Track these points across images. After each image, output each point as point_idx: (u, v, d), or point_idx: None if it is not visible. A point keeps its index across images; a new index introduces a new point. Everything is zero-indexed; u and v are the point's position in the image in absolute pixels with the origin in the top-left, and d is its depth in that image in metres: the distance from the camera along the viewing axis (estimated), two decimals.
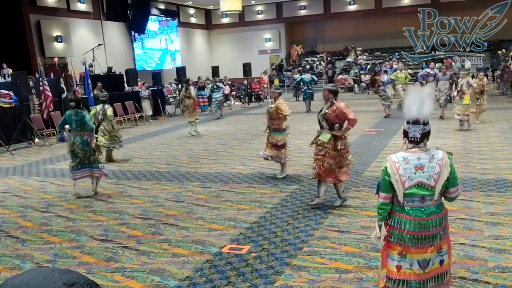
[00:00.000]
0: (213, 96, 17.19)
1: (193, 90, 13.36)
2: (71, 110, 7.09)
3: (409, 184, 2.88)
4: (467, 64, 13.89)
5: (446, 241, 3.02)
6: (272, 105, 7.43)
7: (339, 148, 5.69)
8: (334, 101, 5.72)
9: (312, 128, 12.92)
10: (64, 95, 14.05)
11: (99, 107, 9.66)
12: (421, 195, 2.89)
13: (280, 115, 7.29)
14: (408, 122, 2.98)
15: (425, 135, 2.97)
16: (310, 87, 17.18)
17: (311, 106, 16.87)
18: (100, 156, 7.39)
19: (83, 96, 15.15)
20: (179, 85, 20.00)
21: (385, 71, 16.23)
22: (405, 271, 2.95)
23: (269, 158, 7.53)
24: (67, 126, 7.19)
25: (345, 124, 5.69)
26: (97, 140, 9.16)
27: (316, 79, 19.18)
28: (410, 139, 2.98)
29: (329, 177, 5.77)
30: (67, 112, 7.16)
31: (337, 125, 5.70)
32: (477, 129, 11.09)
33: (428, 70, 15.20)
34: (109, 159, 9.72)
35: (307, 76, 17.77)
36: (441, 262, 2.98)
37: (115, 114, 15.60)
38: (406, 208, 2.93)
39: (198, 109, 13.46)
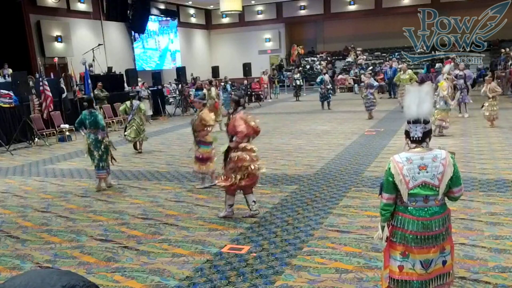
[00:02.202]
0: (221, 96, 17.58)
1: (214, 91, 13.88)
2: (86, 110, 7.53)
3: (413, 184, 2.88)
4: (446, 68, 13.22)
5: (449, 241, 3.02)
6: (196, 116, 7.05)
7: (235, 159, 5.48)
8: (237, 110, 5.58)
9: (312, 128, 12.94)
10: (64, 95, 14.05)
11: (129, 102, 10.59)
12: (424, 195, 2.90)
13: (204, 127, 6.96)
14: (408, 122, 2.99)
15: (427, 134, 2.97)
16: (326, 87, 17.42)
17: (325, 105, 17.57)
18: (111, 157, 7.67)
19: (83, 96, 15.15)
20: (179, 85, 20.03)
21: (381, 72, 16.17)
22: (407, 271, 2.95)
23: (197, 173, 7.17)
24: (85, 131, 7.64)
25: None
26: (125, 135, 10.32)
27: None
28: (412, 138, 2.98)
29: (225, 185, 5.61)
30: (83, 112, 7.59)
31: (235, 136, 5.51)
32: (477, 129, 11.08)
33: (456, 71, 14.59)
34: (136, 149, 10.67)
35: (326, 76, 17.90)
36: (444, 262, 2.98)
37: (115, 114, 15.70)
38: (409, 208, 2.93)
39: (220, 108, 13.73)
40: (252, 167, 5.50)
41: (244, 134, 5.44)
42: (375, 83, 14.87)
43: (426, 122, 2.95)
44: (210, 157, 7.10)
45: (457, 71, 14.28)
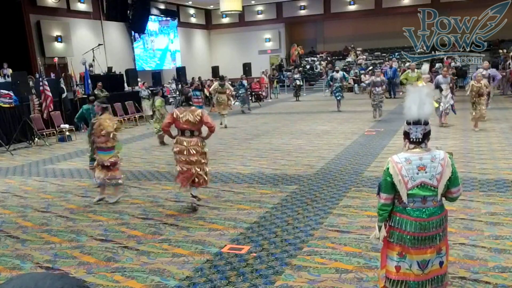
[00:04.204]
0: (238, 93, 18.70)
1: (230, 86, 14.94)
2: (88, 104, 7.70)
3: (412, 184, 2.88)
4: (424, 67, 12.78)
5: (445, 242, 3.02)
6: (95, 120, 6.74)
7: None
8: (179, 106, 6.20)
9: (312, 128, 12.94)
10: (64, 95, 14.06)
11: (159, 99, 11.80)
12: (422, 196, 2.89)
13: (103, 133, 6.56)
14: (408, 123, 2.98)
15: (426, 135, 2.97)
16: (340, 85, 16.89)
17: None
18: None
19: (83, 96, 15.16)
20: (179, 85, 20.05)
21: (383, 73, 15.61)
22: (404, 272, 2.95)
23: (103, 181, 6.67)
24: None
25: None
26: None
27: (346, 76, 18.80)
28: (411, 139, 2.97)
29: None
30: (85, 106, 7.74)
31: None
32: (481, 127, 11.04)
33: (480, 70, 13.77)
34: (162, 143, 11.44)
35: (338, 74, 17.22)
36: (441, 263, 2.98)
37: (115, 114, 15.72)
38: (407, 208, 2.93)
39: (231, 103, 15.27)
40: (176, 158, 6.05)
41: (162, 127, 6.21)
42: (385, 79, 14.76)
43: (426, 123, 2.95)
44: (114, 162, 6.69)
45: (481, 70, 13.67)
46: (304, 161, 8.66)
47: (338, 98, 16.79)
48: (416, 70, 15.63)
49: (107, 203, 6.64)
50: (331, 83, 17.06)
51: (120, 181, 6.78)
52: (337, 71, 17.40)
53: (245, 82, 18.85)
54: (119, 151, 6.85)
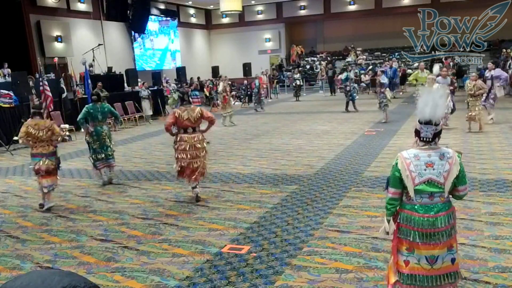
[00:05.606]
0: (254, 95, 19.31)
1: (221, 85, 15.07)
2: (93, 104, 7.77)
3: (419, 180, 2.94)
4: (435, 68, 12.45)
5: (456, 239, 3.06)
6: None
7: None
8: (178, 105, 6.68)
9: (312, 128, 12.94)
10: (64, 95, 14.06)
11: (176, 95, 11.95)
12: (430, 192, 2.95)
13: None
14: (420, 122, 3.02)
15: (437, 135, 3.03)
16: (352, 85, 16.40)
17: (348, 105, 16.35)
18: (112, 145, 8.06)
19: (83, 95, 15.15)
20: (179, 85, 20.06)
21: (382, 71, 15.09)
22: (413, 266, 3.02)
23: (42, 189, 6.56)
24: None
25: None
26: None
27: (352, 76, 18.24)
28: (422, 138, 3.03)
29: None
30: (89, 106, 7.79)
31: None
32: (477, 129, 11.05)
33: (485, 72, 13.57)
34: None
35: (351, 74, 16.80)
36: (453, 260, 3.03)
37: None
38: (415, 205, 2.98)
39: (228, 102, 15.15)
40: (179, 156, 6.32)
41: (165, 126, 6.44)
42: (386, 81, 14.42)
43: (437, 124, 2.99)
44: (47, 169, 6.51)
45: (485, 72, 13.32)
46: (304, 161, 8.66)
47: (354, 98, 16.18)
48: (425, 70, 15.46)
49: (44, 209, 6.50)
50: (347, 83, 16.60)
51: (55, 188, 6.61)
52: (350, 71, 17.31)
53: (257, 81, 18.86)
54: (50, 161, 6.52)
